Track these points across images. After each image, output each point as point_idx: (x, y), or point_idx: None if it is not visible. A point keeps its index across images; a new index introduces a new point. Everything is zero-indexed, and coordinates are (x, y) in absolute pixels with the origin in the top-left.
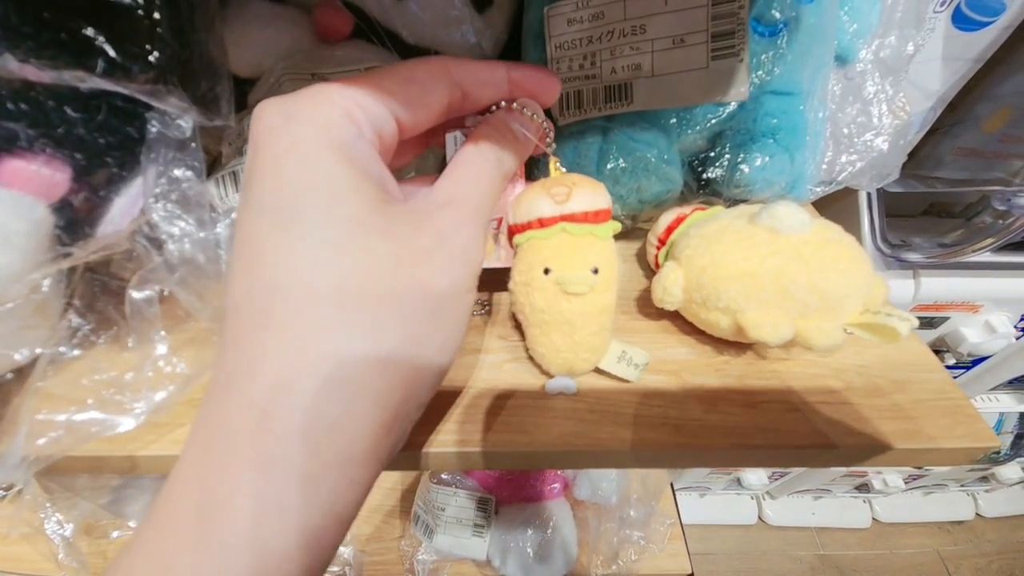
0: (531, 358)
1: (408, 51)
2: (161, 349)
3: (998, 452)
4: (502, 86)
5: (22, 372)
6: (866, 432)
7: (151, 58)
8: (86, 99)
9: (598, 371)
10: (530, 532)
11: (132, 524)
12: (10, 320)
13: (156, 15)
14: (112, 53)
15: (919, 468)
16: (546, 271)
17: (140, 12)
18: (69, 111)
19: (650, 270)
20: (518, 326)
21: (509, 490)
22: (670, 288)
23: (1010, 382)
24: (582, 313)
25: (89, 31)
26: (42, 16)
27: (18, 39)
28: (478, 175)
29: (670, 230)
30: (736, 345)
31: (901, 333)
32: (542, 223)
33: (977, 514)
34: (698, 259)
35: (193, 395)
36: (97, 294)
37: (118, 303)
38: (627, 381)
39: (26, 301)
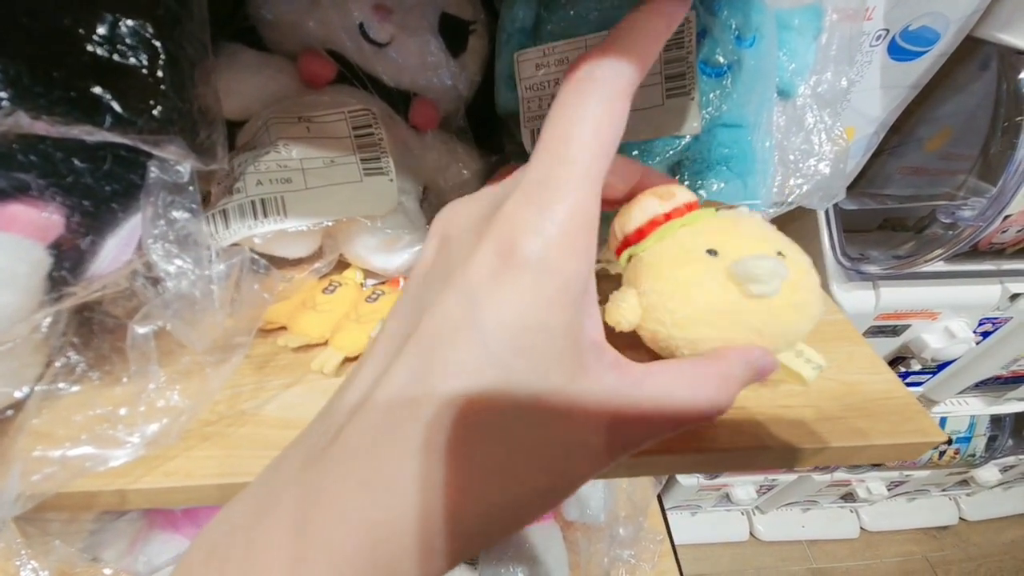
0: None
1: (388, 94)
2: (155, 383)
3: (973, 455)
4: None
5: (17, 408)
6: (831, 431)
7: (155, 112)
8: (92, 150)
9: None
10: (521, 559)
11: (107, 572)
12: (11, 359)
13: (160, 73)
14: (119, 109)
15: (876, 465)
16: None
17: (145, 71)
18: (76, 161)
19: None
20: None
21: None
22: (623, 322)
23: (977, 385)
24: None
25: (97, 89)
26: (53, 76)
27: (31, 98)
28: (682, 402)
29: (641, 233)
30: None
31: (807, 380)
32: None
33: (961, 518)
34: (659, 309)
35: (187, 427)
36: (91, 332)
37: (113, 340)
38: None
39: (26, 340)
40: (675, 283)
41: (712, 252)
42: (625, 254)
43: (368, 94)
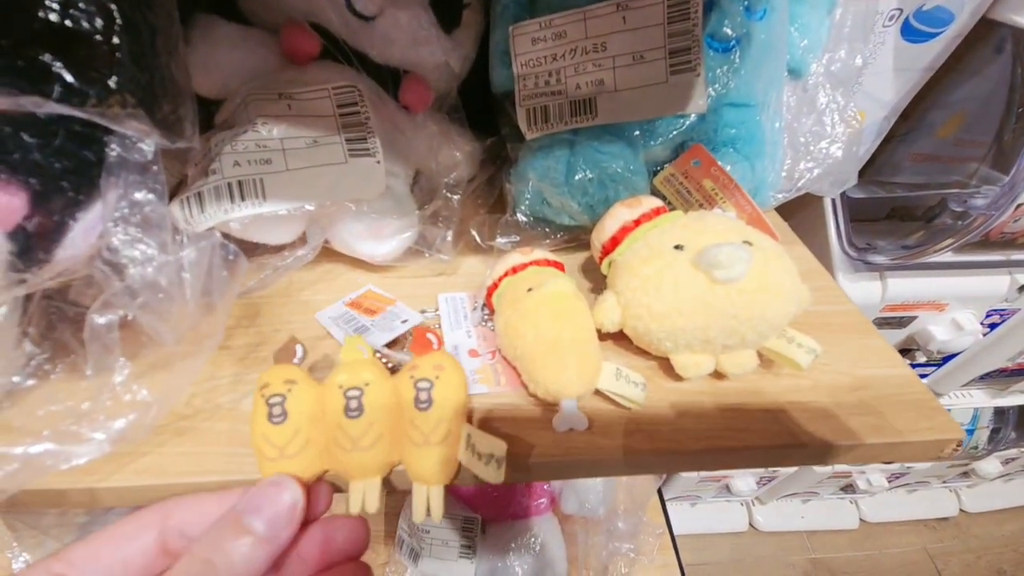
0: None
1: (377, 71)
2: (120, 376)
3: (976, 447)
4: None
5: None
6: (836, 429)
7: (110, 83)
8: (43, 124)
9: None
10: (519, 552)
11: None
12: None
13: (115, 40)
14: (69, 78)
15: (888, 463)
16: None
17: (99, 37)
18: (25, 136)
19: None
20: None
21: (496, 507)
22: (606, 322)
23: (982, 377)
24: None
25: (46, 57)
26: (0, 44)
27: None
28: None
29: (615, 241)
30: None
31: (802, 366)
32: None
33: (961, 510)
34: (635, 305)
35: (157, 422)
36: (54, 322)
37: (76, 330)
38: (631, 403)
39: None
40: (645, 279)
41: (679, 247)
42: (605, 262)
43: (354, 71)
